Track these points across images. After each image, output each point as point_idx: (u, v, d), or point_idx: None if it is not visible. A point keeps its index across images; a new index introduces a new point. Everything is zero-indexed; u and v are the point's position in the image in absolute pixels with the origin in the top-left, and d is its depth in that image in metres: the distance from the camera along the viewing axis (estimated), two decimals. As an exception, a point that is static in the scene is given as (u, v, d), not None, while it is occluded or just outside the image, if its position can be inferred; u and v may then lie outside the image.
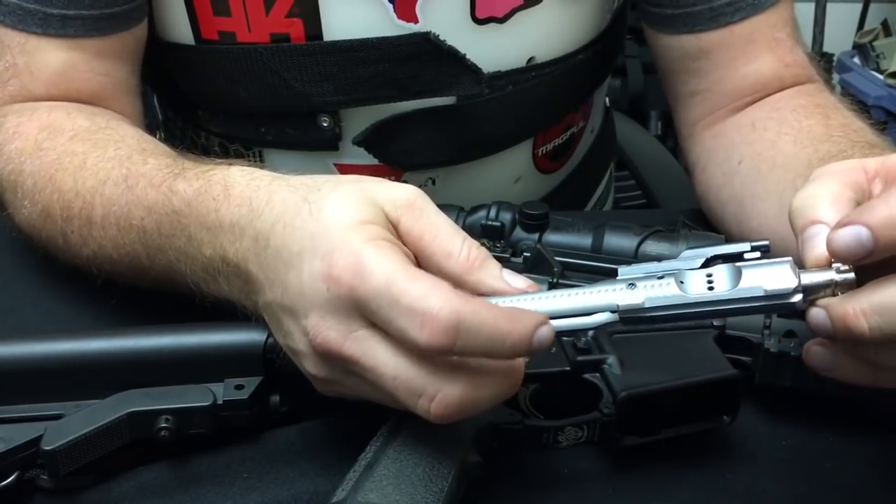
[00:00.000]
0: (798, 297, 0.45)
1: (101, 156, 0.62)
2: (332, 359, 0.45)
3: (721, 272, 0.46)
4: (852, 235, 0.44)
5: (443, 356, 0.43)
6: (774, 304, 0.46)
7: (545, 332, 0.44)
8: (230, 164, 0.55)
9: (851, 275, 0.45)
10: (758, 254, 0.47)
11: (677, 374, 0.51)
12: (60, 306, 0.64)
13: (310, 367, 0.47)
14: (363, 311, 0.44)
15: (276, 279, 0.48)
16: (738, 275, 0.45)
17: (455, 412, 0.44)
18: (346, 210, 0.46)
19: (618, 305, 0.46)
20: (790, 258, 0.46)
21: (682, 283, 0.46)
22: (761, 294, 0.45)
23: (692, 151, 0.79)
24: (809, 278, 0.45)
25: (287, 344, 0.48)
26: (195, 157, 0.60)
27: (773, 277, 0.45)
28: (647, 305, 0.46)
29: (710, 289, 0.45)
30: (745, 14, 0.72)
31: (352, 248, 0.44)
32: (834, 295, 0.46)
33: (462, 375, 0.44)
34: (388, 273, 0.43)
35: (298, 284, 0.46)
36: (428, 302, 0.42)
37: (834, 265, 0.46)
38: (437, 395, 0.43)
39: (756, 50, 0.73)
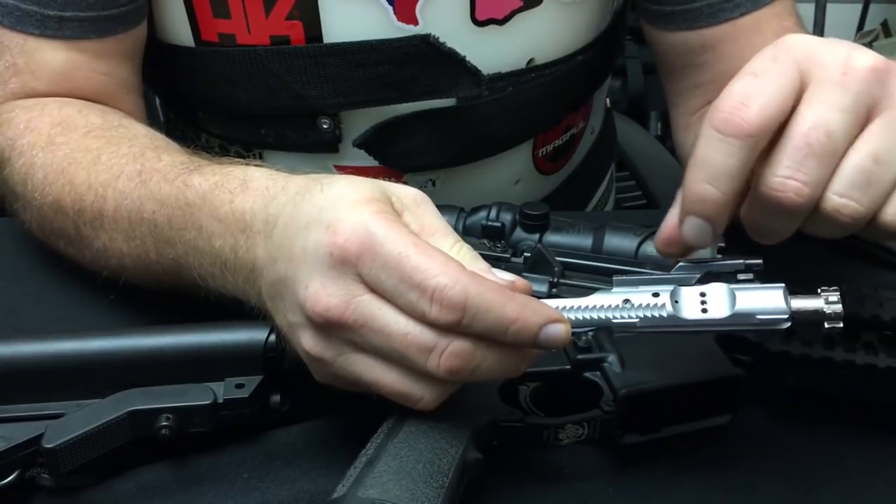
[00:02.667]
0: (787, 324, 0.47)
1: (114, 152, 0.62)
2: (332, 328, 0.45)
3: (715, 294, 0.47)
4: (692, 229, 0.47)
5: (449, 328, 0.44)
6: (763, 329, 0.47)
7: (556, 330, 0.44)
8: (248, 163, 0.56)
9: (839, 306, 0.47)
10: (751, 275, 0.48)
11: (678, 372, 0.52)
12: (60, 306, 0.64)
13: (307, 341, 0.47)
14: (367, 279, 0.44)
15: (280, 255, 0.48)
16: (731, 298, 0.47)
17: (465, 364, 0.44)
18: (355, 188, 0.47)
19: (612, 324, 0.47)
20: (783, 285, 0.47)
21: (676, 302, 0.47)
22: (754, 321, 0.47)
23: (687, 143, 0.79)
24: (799, 305, 0.47)
25: (287, 320, 0.48)
26: (209, 156, 0.60)
27: (765, 303, 0.47)
28: (640, 325, 0.47)
29: (704, 311, 0.47)
30: (745, 9, 0.73)
31: (360, 218, 0.45)
32: (821, 325, 0.47)
33: (471, 335, 0.44)
34: (400, 247, 0.44)
35: (302, 254, 0.46)
36: (439, 279, 0.43)
37: (822, 294, 0.47)
38: (449, 346, 0.44)
39: (764, 41, 0.72)
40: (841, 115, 0.45)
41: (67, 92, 0.70)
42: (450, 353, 0.44)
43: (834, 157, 0.45)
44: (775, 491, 0.52)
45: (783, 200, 0.46)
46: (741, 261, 0.48)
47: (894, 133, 0.46)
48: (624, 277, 0.49)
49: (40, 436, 0.50)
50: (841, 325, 0.47)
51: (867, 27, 2.25)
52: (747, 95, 0.46)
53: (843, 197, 0.45)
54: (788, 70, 0.47)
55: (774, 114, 0.46)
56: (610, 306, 0.47)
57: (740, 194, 0.47)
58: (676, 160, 1.12)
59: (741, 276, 0.48)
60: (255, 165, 0.55)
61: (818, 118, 0.45)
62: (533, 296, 0.47)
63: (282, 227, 0.49)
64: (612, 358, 0.52)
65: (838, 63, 0.46)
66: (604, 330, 0.48)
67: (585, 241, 0.60)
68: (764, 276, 0.48)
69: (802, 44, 0.47)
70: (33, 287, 0.66)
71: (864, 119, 0.46)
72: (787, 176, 0.45)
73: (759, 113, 0.45)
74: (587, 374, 0.52)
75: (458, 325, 0.43)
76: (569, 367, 0.52)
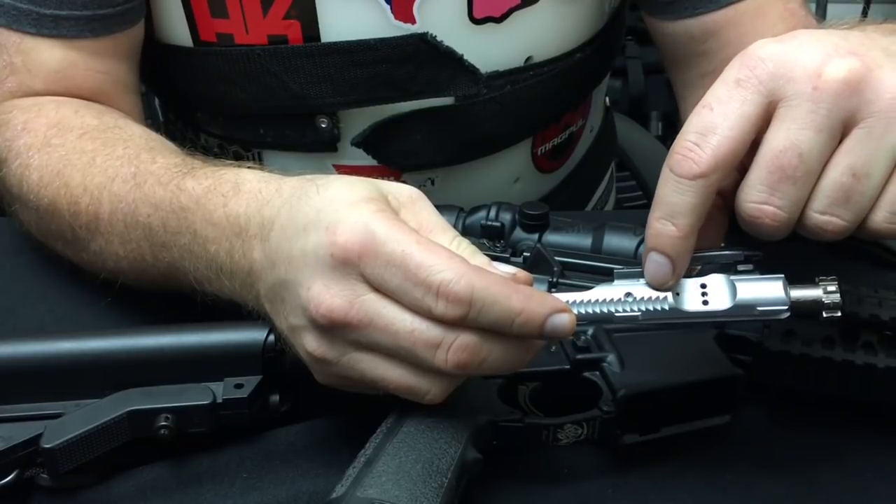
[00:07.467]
0: (786, 314, 0.47)
1: (109, 154, 0.62)
2: (335, 329, 0.45)
3: (716, 286, 0.47)
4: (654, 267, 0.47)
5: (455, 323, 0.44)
6: (764, 319, 0.47)
7: (561, 320, 0.45)
8: (241, 165, 0.56)
9: (837, 296, 0.47)
10: (750, 266, 0.48)
11: (677, 372, 0.52)
12: (60, 306, 0.64)
13: (310, 343, 0.47)
14: (370, 278, 0.45)
15: (279, 258, 0.48)
16: (732, 289, 0.47)
17: (472, 357, 0.44)
18: (352, 188, 0.47)
19: (614, 318, 0.47)
20: (782, 276, 0.47)
21: (677, 294, 0.47)
22: (754, 312, 0.47)
23: None
24: (798, 295, 0.47)
25: (288, 323, 0.48)
26: (203, 157, 0.60)
27: (765, 294, 0.47)
28: (642, 318, 0.47)
29: (705, 303, 0.47)
30: None
31: (360, 217, 0.45)
32: (819, 314, 0.47)
33: (477, 329, 0.44)
34: (402, 244, 0.44)
35: (302, 256, 0.46)
36: (444, 274, 0.43)
37: (821, 284, 0.47)
38: (455, 341, 0.44)
39: (767, 24, 0.72)
40: (813, 133, 0.44)
41: (65, 90, 0.70)
42: (457, 347, 0.44)
43: (809, 176, 0.45)
44: (775, 490, 0.52)
45: (761, 225, 0.46)
46: (741, 251, 0.48)
47: (872, 144, 0.44)
48: (625, 270, 0.49)
49: (39, 436, 0.50)
50: (839, 314, 0.47)
51: (867, 26, 2.25)
52: (702, 132, 0.45)
53: (824, 214, 0.45)
54: (750, 95, 0.45)
55: (732, 149, 0.45)
56: (612, 300, 0.48)
57: (708, 223, 0.47)
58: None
59: (741, 267, 0.48)
60: (248, 168, 0.55)
61: (789, 140, 0.44)
62: None
63: (279, 229, 0.48)
64: (611, 358, 0.52)
65: (808, 77, 0.44)
66: (606, 323, 0.48)
67: (585, 241, 0.60)
68: (763, 269, 0.48)
69: (770, 57, 0.45)
70: (33, 287, 0.66)
71: (838, 133, 0.45)
72: (762, 201, 0.45)
73: (713, 153, 0.44)
74: (586, 374, 0.52)
75: (465, 319, 0.43)
76: (568, 367, 0.52)
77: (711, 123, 0.45)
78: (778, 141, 0.45)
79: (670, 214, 0.46)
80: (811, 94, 0.44)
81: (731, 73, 0.46)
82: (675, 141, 0.46)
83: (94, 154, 0.63)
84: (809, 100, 0.44)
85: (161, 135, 0.67)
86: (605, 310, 0.48)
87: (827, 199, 0.45)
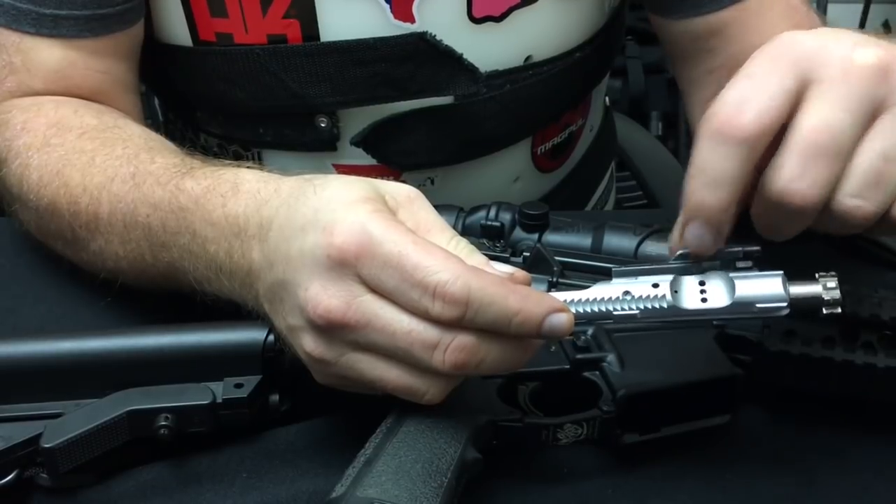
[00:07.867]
0: (786, 311, 0.47)
1: (109, 154, 0.62)
2: (333, 329, 0.45)
3: (714, 283, 0.47)
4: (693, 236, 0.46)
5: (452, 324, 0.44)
6: (763, 317, 0.47)
7: (559, 320, 0.45)
8: (239, 165, 0.56)
9: (837, 292, 0.47)
10: (749, 262, 0.48)
11: (677, 372, 0.52)
12: (60, 306, 0.64)
13: (309, 344, 0.47)
14: (367, 279, 0.44)
15: (277, 258, 0.48)
16: (730, 286, 0.47)
17: (470, 358, 0.44)
18: (349, 188, 0.47)
19: (612, 316, 0.47)
20: (781, 272, 0.47)
21: (676, 292, 0.47)
22: (753, 309, 0.47)
23: None
24: (797, 291, 0.47)
25: (287, 323, 0.48)
26: (203, 157, 0.60)
27: (764, 291, 0.47)
28: (640, 317, 0.47)
29: (704, 300, 0.47)
30: None
31: (356, 218, 0.45)
32: (819, 311, 0.47)
33: (475, 329, 0.44)
34: (399, 245, 0.44)
35: (300, 256, 0.46)
36: (441, 275, 0.43)
37: (820, 280, 0.47)
38: (453, 341, 0.44)
39: (771, 21, 0.73)
40: (846, 114, 0.44)
41: (64, 90, 0.70)
42: (454, 348, 0.44)
43: (840, 157, 0.45)
44: (775, 490, 0.52)
45: (791, 203, 0.45)
46: (739, 248, 0.48)
47: None
48: (623, 268, 0.49)
49: (39, 435, 0.50)
50: (839, 310, 0.47)
51: (868, 27, 2.25)
52: (743, 99, 0.45)
53: (855, 198, 0.45)
54: (787, 70, 0.45)
55: (772, 116, 0.45)
56: (610, 298, 0.48)
57: (742, 197, 0.47)
58: (677, 160, 1.12)
59: (740, 264, 0.48)
60: (247, 167, 0.55)
61: (823, 118, 0.44)
62: None
63: (277, 230, 0.49)
64: (611, 358, 0.52)
65: (840, 60, 0.45)
66: (604, 322, 0.48)
67: (585, 241, 0.60)
68: (762, 266, 0.48)
69: (801, 42, 0.46)
70: (33, 287, 0.66)
71: (869, 117, 0.45)
72: (794, 178, 0.45)
73: (756, 117, 0.44)
74: (586, 374, 0.52)
75: (462, 319, 0.43)
76: (568, 366, 0.52)
77: (753, 90, 0.45)
78: (811, 120, 0.45)
79: (713, 182, 0.45)
80: (843, 77, 0.45)
81: (766, 52, 0.46)
82: (712, 108, 0.45)
83: (94, 154, 0.63)
84: (843, 82, 0.45)
85: (161, 135, 0.67)
86: (604, 308, 0.48)
87: (858, 181, 0.45)
